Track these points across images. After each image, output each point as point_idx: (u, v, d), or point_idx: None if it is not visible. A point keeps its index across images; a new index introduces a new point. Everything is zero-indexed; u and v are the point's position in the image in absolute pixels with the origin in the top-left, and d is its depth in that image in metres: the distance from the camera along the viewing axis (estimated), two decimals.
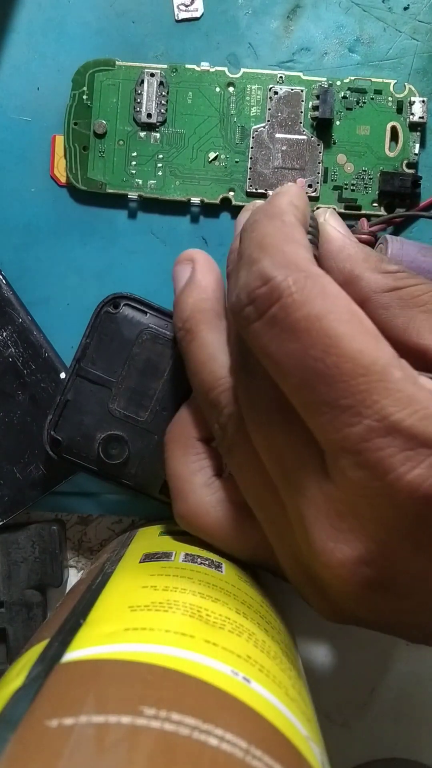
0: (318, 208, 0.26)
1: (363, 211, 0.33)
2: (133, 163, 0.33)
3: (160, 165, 0.33)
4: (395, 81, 0.32)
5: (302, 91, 0.32)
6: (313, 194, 0.33)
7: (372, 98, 0.32)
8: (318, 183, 0.32)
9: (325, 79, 0.32)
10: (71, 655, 0.18)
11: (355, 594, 0.22)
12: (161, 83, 0.32)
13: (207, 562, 0.25)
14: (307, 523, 0.22)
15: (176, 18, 0.33)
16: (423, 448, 0.20)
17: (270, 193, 0.31)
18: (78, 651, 0.18)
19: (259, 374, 0.23)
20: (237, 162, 0.33)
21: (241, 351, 0.24)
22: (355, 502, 0.21)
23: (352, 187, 0.33)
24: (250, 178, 0.32)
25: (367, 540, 0.21)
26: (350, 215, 0.33)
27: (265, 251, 0.22)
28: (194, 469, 0.27)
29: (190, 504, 0.26)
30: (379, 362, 0.20)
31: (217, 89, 0.32)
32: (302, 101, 0.32)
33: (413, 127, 0.32)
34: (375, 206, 0.33)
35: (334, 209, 0.27)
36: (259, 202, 0.29)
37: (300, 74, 0.32)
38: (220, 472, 0.27)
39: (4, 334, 0.32)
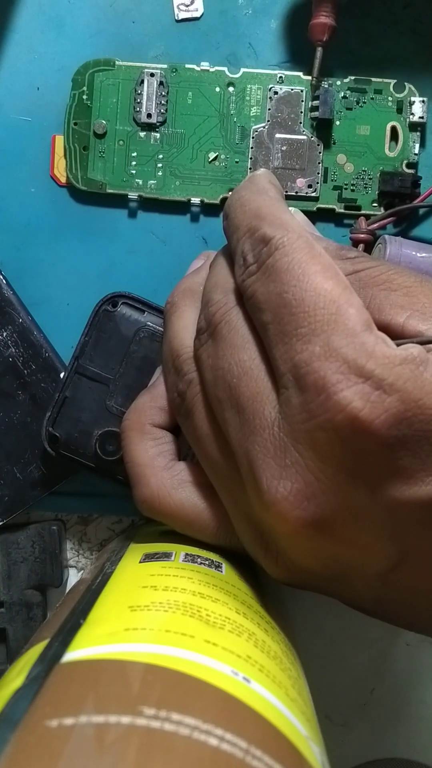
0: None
1: (363, 212, 0.33)
2: (133, 163, 0.33)
3: (160, 165, 0.33)
4: (395, 81, 0.32)
5: (302, 91, 0.32)
6: (313, 194, 0.33)
7: (372, 98, 0.32)
8: (318, 183, 0.32)
9: (325, 79, 0.32)
10: (71, 655, 0.18)
11: (298, 534, 0.22)
12: (161, 83, 0.32)
13: (207, 562, 0.25)
14: (256, 467, 0.23)
15: (176, 18, 0.33)
16: (354, 375, 0.21)
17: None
18: (78, 651, 0.18)
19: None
20: (237, 162, 0.33)
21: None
22: (297, 433, 0.22)
23: (352, 187, 0.33)
24: None
25: (305, 473, 0.22)
26: (350, 215, 0.33)
27: (263, 219, 0.25)
28: (154, 454, 0.27)
29: (152, 487, 0.27)
30: (339, 300, 0.22)
31: (217, 89, 0.32)
32: (302, 101, 0.32)
33: (413, 127, 0.32)
34: (375, 206, 0.33)
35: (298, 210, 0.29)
36: None
37: (300, 74, 0.32)
38: (179, 457, 0.28)
39: (5, 334, 0.32)
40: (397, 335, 0.23)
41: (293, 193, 0.32)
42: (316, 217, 0.33)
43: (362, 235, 0.32)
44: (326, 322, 0.22)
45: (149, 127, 0.32)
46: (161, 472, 0.27)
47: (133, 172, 0.33)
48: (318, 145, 0.32)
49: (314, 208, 0.33)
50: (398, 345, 0.22)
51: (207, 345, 0.26)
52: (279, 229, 0.24)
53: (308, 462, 0.22)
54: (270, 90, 0.32)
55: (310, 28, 0.31)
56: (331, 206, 0.33)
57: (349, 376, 0.21)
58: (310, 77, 0.32)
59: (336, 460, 0.22)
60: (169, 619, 0.20)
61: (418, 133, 0.32)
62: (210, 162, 0.33)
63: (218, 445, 0.26)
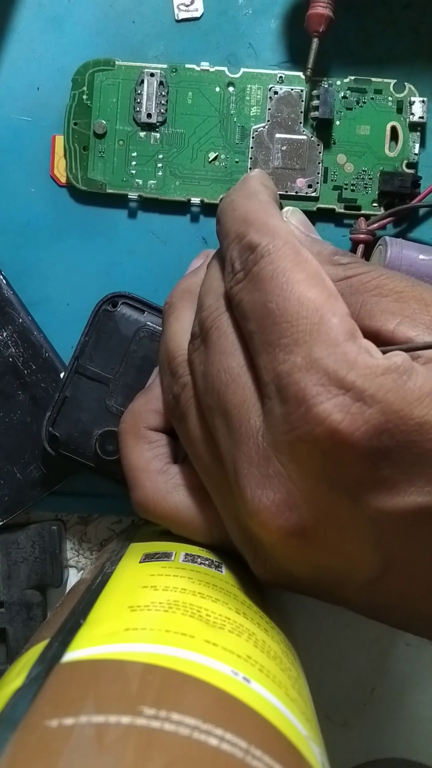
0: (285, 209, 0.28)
1: (363, 212, 0.33)
2: (133, 163, 0.33)
3: (160, 165, 0.33)
4: (395, 81, 0.32)
5: (302, 91, 0.32)
6: (313, 194, 0.33)
7: (372, 98, 0.32)
8: (318, 183, 0.32)
9: (325, 78, 0.32)
10: (71, 655, 0.18)
11: (281, 543, 0.22)
12: (161, 83, 0.32)
13: (207, 562, 0.25)
14: (240, 476, 0.23)
15: (176, 18, 0.33)
16: (334, 387, 0.21)
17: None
18: (78, 651, 0.18)
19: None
20: (237, 162, 0.33)
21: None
22: (279, 444, 0.22)
23: (352, 187, 0.33)
24: None
25: (287, 483, 0.22)
26: (350, 215, 0.33)
27: (250, 225, 0.24)
28: (149, 457, 0.28)
29: (147, 491, 0.27)
30: (322, 309, 0.22)
31: (217, 89, 0.32)
32: (302, 101, 0.32)
33: (413, 127, 0.32)
34: (375, 206, 0.33)
35: (297, 209, 0.29)
36: None
37: (300, 74, 0.32)
38: (175, 460, 0.28)
39: (5, 334, 0.32)
40: (388, 342, 0.23)
41: (293, 193, 0.32)
42: (316, 217, 0.33)
43: (362, 236, 0.32)
44: (308, 332, 0.22)
45: (149, 127, 0.32)
46: (156, 476, 0.27)
47: (133, 172, 0.33)
48: (318, 145, 0.32)
49: (314, 208, 0.33)
50: (385, 353, 0.22)
51: (200, 351, 0.26)
52: (266, 235, 0.24)
53: (290, 472, 0.22)
54: (270, 90, 0.32)
55: (307, 18, 0.31)
56: (331, 206, 0.33)
57: (329, 387, 0.21)
58: (306, 70, 0.32)
59: (317, 472, 0.22)
60: (169, 619, 0.20)
61: (418, 133, 0.32)
62: (210, 162, 0.33)
63: (210, 450, 0.25)
